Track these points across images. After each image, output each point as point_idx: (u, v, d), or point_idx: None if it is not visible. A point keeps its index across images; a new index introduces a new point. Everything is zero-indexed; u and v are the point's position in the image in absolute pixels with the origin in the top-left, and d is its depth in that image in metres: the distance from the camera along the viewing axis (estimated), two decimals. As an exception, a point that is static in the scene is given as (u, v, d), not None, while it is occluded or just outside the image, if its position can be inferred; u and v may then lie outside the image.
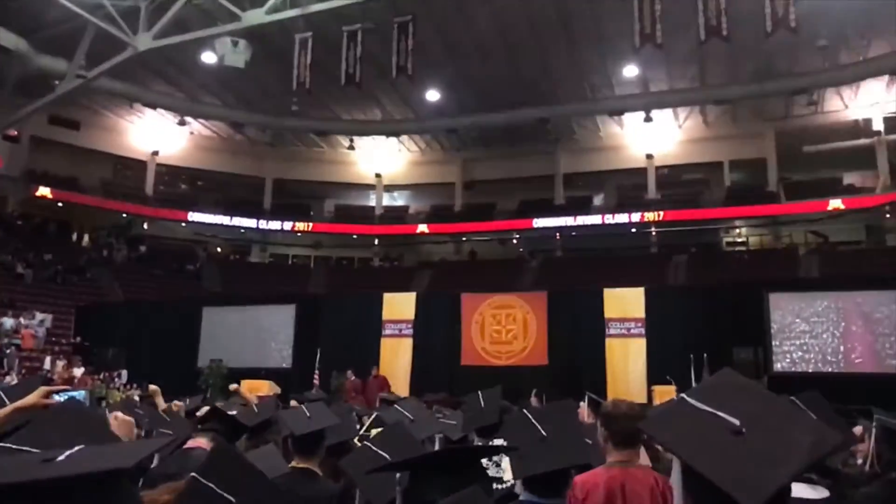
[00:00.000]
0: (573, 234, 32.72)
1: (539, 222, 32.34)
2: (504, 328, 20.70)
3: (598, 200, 34.59)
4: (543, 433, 2.41)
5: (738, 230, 32.69)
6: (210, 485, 1.41)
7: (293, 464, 3.51)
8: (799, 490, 2.35)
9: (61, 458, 0.89)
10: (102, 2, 21.40)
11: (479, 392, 4.87)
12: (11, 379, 19.58)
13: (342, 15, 21.11)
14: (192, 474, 1.46)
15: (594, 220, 31.92)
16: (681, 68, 26.57)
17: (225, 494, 1.39)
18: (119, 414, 3.17)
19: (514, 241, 34.48)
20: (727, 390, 1.41)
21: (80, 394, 3.22)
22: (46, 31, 23.54)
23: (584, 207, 33.24)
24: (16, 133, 27.85)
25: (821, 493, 2.57)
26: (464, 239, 35.02)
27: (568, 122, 31.87)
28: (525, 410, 2.97)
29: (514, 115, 29.53)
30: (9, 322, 22.85)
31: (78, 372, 21.80)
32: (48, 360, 22.22)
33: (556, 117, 30.14)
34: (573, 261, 31.82)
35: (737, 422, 1.28)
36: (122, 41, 22.49)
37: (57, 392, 2.82)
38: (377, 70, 23.38)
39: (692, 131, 31.86)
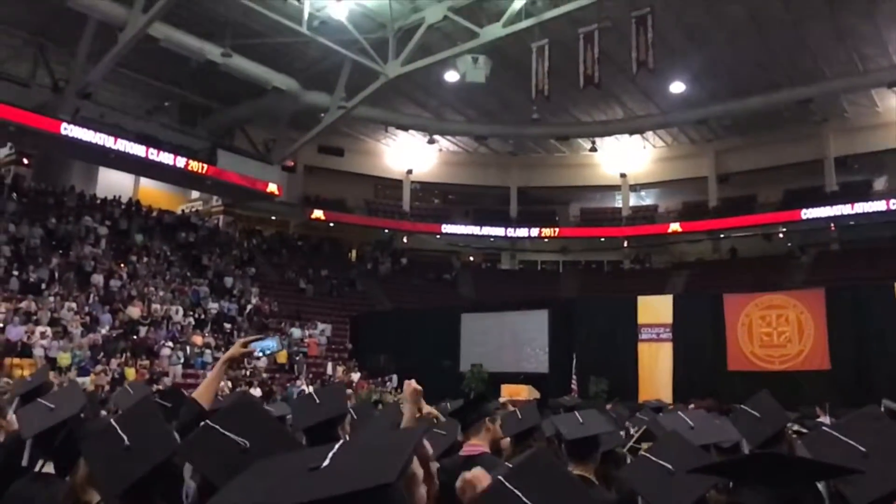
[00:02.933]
0: (851, 223, 29.18)
1: (808, 213, 29.30)
2: (775, 330, 19.00)
3: (879, 184, 30.50)
4: (863, 448, 2.06)
5: None
6: (516, 491, 1.36)
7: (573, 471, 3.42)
8: None
9: (326, 463, 0.84)
10: (356, 37, 23.37)
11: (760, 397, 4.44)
12: (301, 383, 22.01)
13: (577, 18, 20.96)
14: (499, 477, 1.43)
15: (877, 206, 28.19)
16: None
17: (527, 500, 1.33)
18: (413, 382, 3.46)
19: (781, 236, 31.62)
20: None
21: (272, 342, 3.42)
22: (311, 70, 26.29)
23: (863, 193, 29.51)
24: (292, 163, 31.35)
25: None
26: (721, 236, 32.86)
27: (836, 100, 28.53)
28: (826, 427, 2.58)
29: (772, 98, 27.12)
30: (297, 332, 25.67)
31: (356, 377, 23.87)
32: (330, 365, 24.60)
33: (822, 96, 27.14)
34: (854, 253, 28.41)
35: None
36: (374, 71, 24.42)
37: (252, 341, 3.33)
38: (616, 68, 22.86)
39: None
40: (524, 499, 1.34)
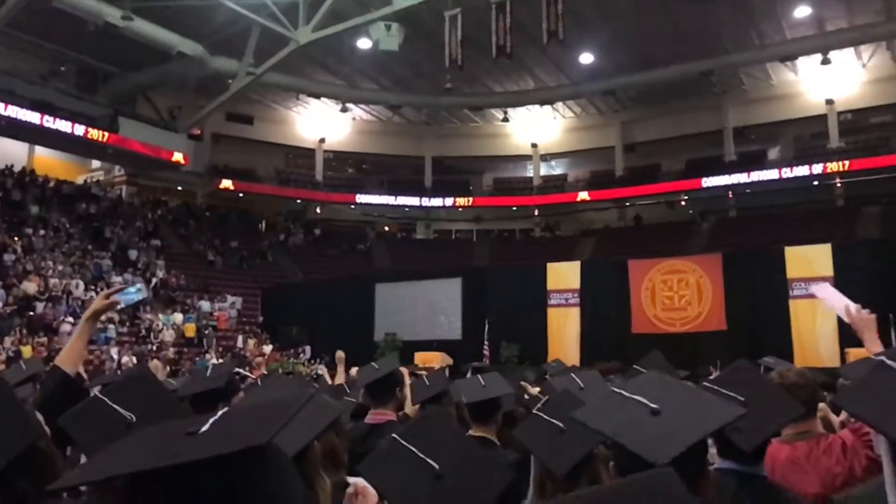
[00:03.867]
0: (747, 191, 30.68)
1: (709, 181, 30.59)
2: (676, 294, 19.89)
3: (773, 154, 32.16)
4: (741, 398, 2.22)
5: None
6: (410, 447, 1.41)
7: (470, 432, 3.52)
8: None
9: (205, 428, 0.84)
10: (265, 1, 22.64)
11: (652, 356, 4.70)
12: (211, 357, 21.56)
13: (490, -13, 20.95)
14: (393, 435, 1.47)
15: (770, 175, 29.71)
16: (861, 2, 23.98)
17: (427, 459, 1.38)
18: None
19: (683, 203, 32.91)
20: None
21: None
22: (217, 35, 25.34)
23: (759, 162, 31.02)
24: (199, 131, 30.31)
25: None
26: (627, 204, 33.95)
27: (735, 73, 29.77)
28: (706, 382, 2.76)
29: (675, 70, 28.01)
30: (205, 305, 25.07)
31: (267, 349, 23.57)
32: (240, 339, 24.19)
33: (722, 68, 28.25)
34: (749, 220, 29.91)
35: None
36: (284, 36, 23.76)
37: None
38: (528, 39, 23.04)
39: (878, 70, 28.68)
40: (419, 453, 1.38)
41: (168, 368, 18.48)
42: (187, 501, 0.79)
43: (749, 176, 29.92)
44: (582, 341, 20.41)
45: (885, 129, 29.95)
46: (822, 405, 3.64)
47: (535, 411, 2.61)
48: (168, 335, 22.24)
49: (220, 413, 0.92)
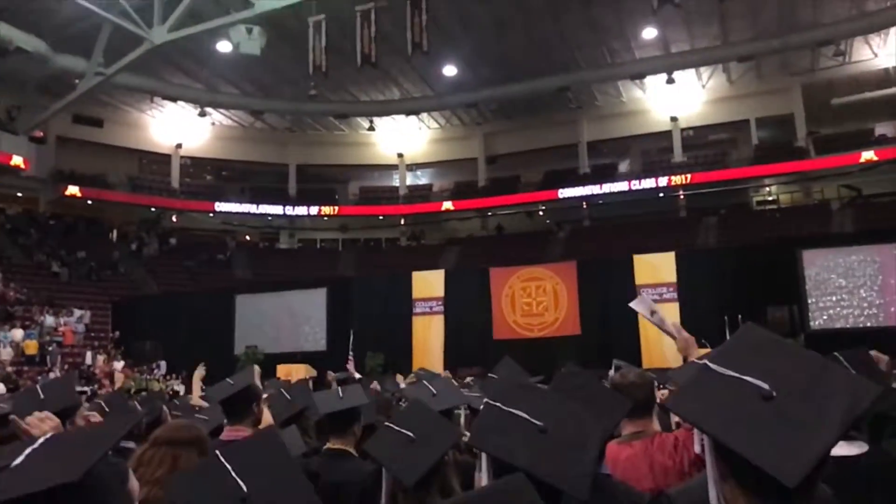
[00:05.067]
0: (600, 202, 32.40)
1: (565, 192, 32.04)
2: (535, 300, 20.65)
3: (623, 167, 34.18)
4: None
5: (767, 188, 32.10)
6: (227, 466, 1.37)
7: (328, 445, 3.52)
8: (838, 448, 2.28)
9: (19, 461, 0.82)
10: (116, -3, 21.46)
11: (505, 363, 4.88)
12: (55, 374, 20.06)
13: (355, -5, 20.95)
14: (217, 451, 1.42)
15: (620, 187, 31.55)
16: (702, 27, 26.02)
17: (238, 479, 1.35)
18: (94, 415, 3.19)
19: (541, 213, 34.25)
20: (752, 350, 1.28)
21: None
22: (63, 31, 23.70)
23: (610, 175, 32.87)
24: (42, 134, 28.20)
25: (860, 447, 2.50)
26: (489, 214, 34.88)
27: (589, 89, 31.43)
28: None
29: (534, 85, 29.17)
30: (49, 320, 23.33)
31: (118, 365, 22.24)
32: (89, 355, 22.69)
33: (577, 84, 29.72)
34: (601, 229, 31.57)
35: (766, 385, 1.16)
36: (138, 36, 22.56)
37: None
38: (393, 49, 23.17)
39: (716, 91, 31.26)
40: (232, 473, 1.36)
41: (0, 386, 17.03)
42: None
43: (602, 188, 31.62)
44: (446, 348, 20.73)
45: (723, 146, 32.68)
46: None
47: (385, 423, 2.65)
48: (6, 353, 20.50)
49: (39, 442, 0.89)
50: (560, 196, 32.15)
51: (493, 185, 34.61)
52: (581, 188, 31.95)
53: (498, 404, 1.61)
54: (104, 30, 23.02)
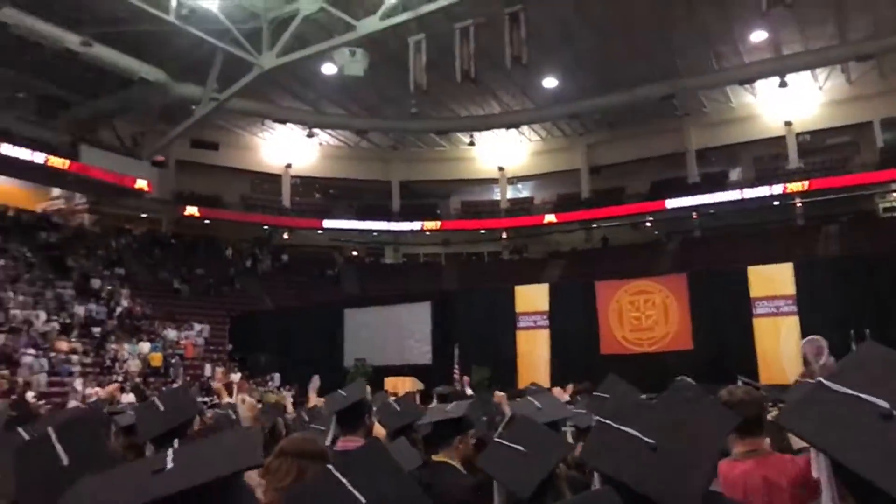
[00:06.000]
0: (711, 212, 31.22)
1: (672, 202, 31.08)
2: (643, 314, 20.06)
3: (734, 175, 32.82)
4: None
5: (895, 194, 29.99)
6: (343, 480, 1.38)
7: (435, 457, 3.53)
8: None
9: (170, 466, 0.88)
10: (228, 26, 22.62)
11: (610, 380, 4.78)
12: (177, 385, 21.18)
13: (453, 13, 21.21)
14: (328, 465, 1.44)
15: (732, 195, 30.29)
16: (816, 26, 24.72)
17: (354, 491, 1.35)
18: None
19: (648, 224, 33.37)
20: (872, 367, 1.23)
21: None
22: (180, 61, 25.22)
23: (720, 183, 31.62)
24: (163, 158, 30.00)
25: None
26: (594, 226, 34.29)
27: (695, 96, 30.43)
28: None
29: (637, 94, 28.51)
30: (171, 334, 24.66)
31: (235, 377, 23.18)
32: (208, 367, 23.81)
33: (683, 91, 28.84)
34: (713, 240, 30.37)
35: (885, 404, 1.10)
36: (248, 62, 23.73)
37: None
38: (492, 63, 23.29)
39: (834, 92, 29.55)
40: (348, 486, 1.36)
41: (130, 395, 18.08)
42: None
43: (712, 197, 30.47)
44: (552, 363, 20.44)
45: (842, 150, 30.81)
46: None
47: (495, 437, 2.62)
48: (134, 365, 21.81)
49: (171, 451, 0.94)
50: (668, 206, 31.21)
51: (597, 197, 34.03)
52: (690, 198, 30.91)
53: (609, 422, 1.58)
54: (217, 58, 24.34)
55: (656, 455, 1.44)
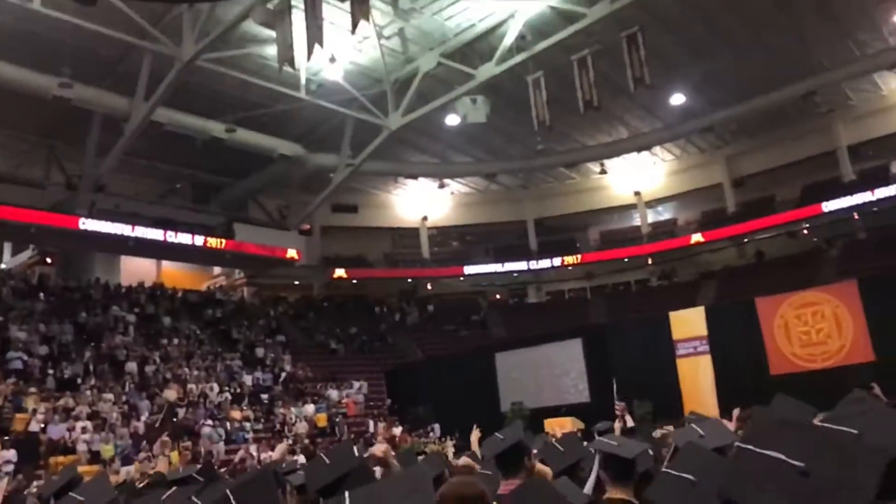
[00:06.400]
0: (874, 210, 28.72)
1: (829, 205, 28.87)
2: (813, 328, 18.61)
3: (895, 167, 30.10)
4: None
5: None
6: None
7: (608, 495, 3.37)
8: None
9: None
10: (355, 94, 23.76)
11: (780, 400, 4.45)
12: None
13: (568, 46, 21.20)
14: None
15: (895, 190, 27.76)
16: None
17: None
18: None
19: (805, 232, 31.16)
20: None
21: None
22: (314, 133, 26.73)
23: (881, 178, 29.04)
24: (308, 227, 31.65)
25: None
26: (745, 240, 32.47)
27: (839, 89, 28.36)
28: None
29: (775, 97, 27.01)
30: (333, 394, 25.57)
31: (397, 431, 23.64)
32: (371, 423, 24.42)
33: (824, 87, 27.01)
34: (881, 240, 27.83)
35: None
36: (376, 125, 24.76)
37: None
38: (614, 88, 22.98)
39: None
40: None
41: (301, 457, 18.75)
42: None
43: (873, 194, 28.02)
44: (717, 389, 19.31)
45: None
46: None
47: (663, 468, 2.48)
48: (301, 427, 22.73)
49: (349, 494, 0.92)
50: (824, 210, 29.03)
51: (744, 210, 32.26)
52: (848, 198, 28.59)
53: (750, 447, 1.43)
54: (348, 125, 25.61)
55: (808, 480, 1.28)
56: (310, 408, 24.06)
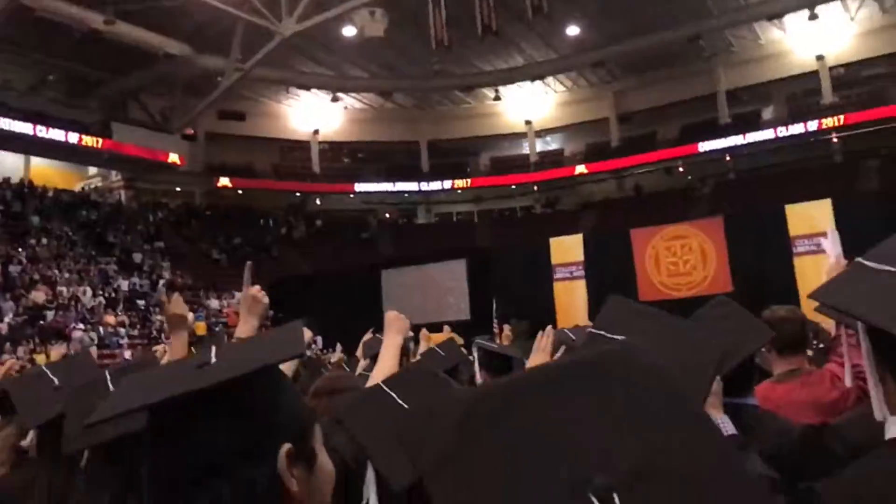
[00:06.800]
0: (745, 153, 30.65)
1: (705, 146, 30.57)
2: (681, 259, 20.00)
3: (767, 114, 32.08)
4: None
5: (938, 123, 29.07)
6: (391, 393, 1.45)
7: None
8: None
9: (214, 360, 0.91)
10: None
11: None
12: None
13: (473, -36, 20.93)
14: (379, 382, 1.50)
15: (765, 135, 29.69)
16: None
17: (401, 401, 1.44)
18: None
19: (681, 170, 32.88)
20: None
21: None
22: (203, 34, 25.30)
23: (753, 123, 30.96)
24: (192, 131, 30.30)
25: None
26: (626, 174, 33.92)
27: (723, 35, 29.61)
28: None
29: (663, 37, 27.92)
30: (214, 303, 25.19)
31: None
32: (240, 313, 24.21)
33: (709, 31, 28.16)
34: (749, 182, 29.82)
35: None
36: (269, 30, 23.71)
37: None
38: (513, 15, 23.00)
39: (868, 22, 28.52)
40: (398, 400, 1.45)
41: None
42: (204, 425, 0.86)
43: (745, 137, 29.90)
44: (590, 312, 20.50)
45: (879, 81, 29.85)
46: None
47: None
48: (180, 336, 22.34)
49: (214, 349, 0.98)
50: (700, 150, 30.73)
51: (627, 145, 33.59)
52: (722, 140, 30.37)
53: (602, 332, 1.45)
54: (238, 28, 24.36)
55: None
56: (189, 315, 23.59)
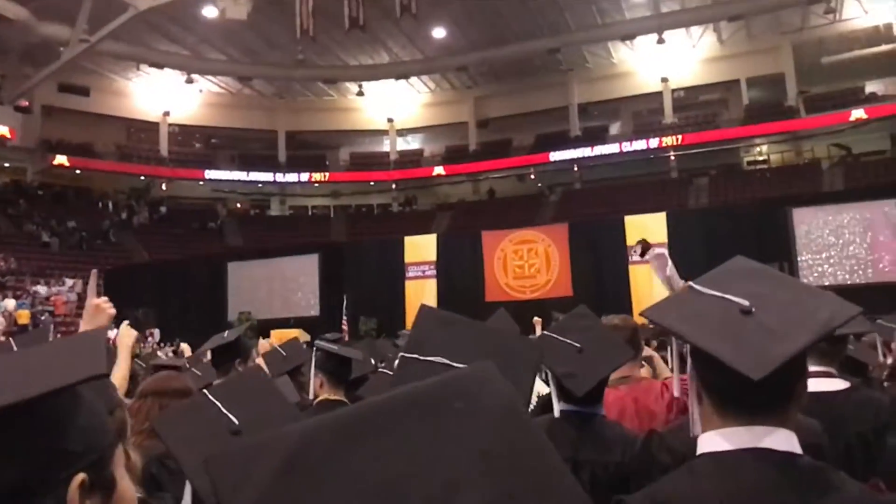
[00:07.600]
0: (591, 165, 32.35)
1: (556, 156, 31.98)
2: (526, 263, 20.77)
3: (614, 129, 34.05)
4: (578, 345, 2.37)
5: (758, 148, 32.00)
6: (216, 402, 1.40)
7: (323, 396, 3.58)
8: (817, 384, 2.31)
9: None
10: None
11: (499, 315, 4.89)
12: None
13: (341, -44, 20.68)
14: (203, 389, 1.45)
15: (611, 149, 31.48)
16: (693, -15, 25.79)
17: (228, 413, 1.38)
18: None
19: (532, 177, 34.18)
20: (737, 275, 1.31)
21: None
22: (46, -1, 23.36)
23: (601, 137, 32.75)
24: (27, 103, 27.87)
25: (841, 385, 2.54)
26: (481, 178, 34.79)
27: (579, 51, 31.15)
28: (547, 332, 2.90)
29: (524, 47, 28.95)
30: (42, 290, 23.30)
31: (112, 334, 22.25)
32: (82, 324, 22.62)
33: (567, 46, 29.47)
34: (593, 192, 31.53)
35: (746, 302, 1.17)
36: (122, 2, 22.24)
37: None
38: (381, 12, 22.94)
39: (707, 50, 31.01)
40: (222, 408, 1.39)
41: None
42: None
43: (592, 150, 31.57)
44: (439, 311, 20.87)
45: (713, 106, 32.55)
46: (649, 350, 3.96)
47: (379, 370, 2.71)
48: (-3, 324, 20.53)
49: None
50: (551, 159, 32.09)
51: (484, 150, 34.48)
52: (572, 151, 31.89)
53: (415, 355, 1.40)
54: (87, -5, 22.69)
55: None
56: (10, 302, 21.74)
